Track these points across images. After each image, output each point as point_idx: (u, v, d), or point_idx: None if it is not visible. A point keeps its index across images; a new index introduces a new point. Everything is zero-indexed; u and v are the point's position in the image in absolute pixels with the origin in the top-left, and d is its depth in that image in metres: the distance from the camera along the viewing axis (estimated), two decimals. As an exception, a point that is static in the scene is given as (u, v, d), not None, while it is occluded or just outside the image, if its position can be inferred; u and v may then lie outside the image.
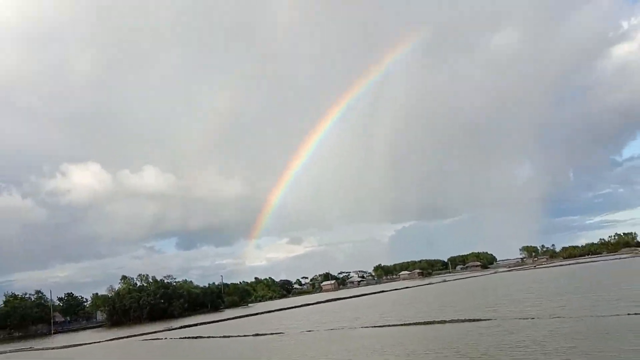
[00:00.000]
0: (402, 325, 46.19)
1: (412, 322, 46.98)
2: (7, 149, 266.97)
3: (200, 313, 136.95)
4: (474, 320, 42.91)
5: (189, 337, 62.44)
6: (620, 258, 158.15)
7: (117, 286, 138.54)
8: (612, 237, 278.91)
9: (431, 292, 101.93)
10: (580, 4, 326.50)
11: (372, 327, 48.45)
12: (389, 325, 47.28)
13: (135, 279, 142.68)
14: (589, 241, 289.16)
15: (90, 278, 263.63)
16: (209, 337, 59.76)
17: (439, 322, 44.67)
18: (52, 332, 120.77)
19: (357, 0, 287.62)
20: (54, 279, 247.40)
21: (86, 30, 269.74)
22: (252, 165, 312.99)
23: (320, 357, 34.12)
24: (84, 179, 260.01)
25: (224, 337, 57.52)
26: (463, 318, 44.77)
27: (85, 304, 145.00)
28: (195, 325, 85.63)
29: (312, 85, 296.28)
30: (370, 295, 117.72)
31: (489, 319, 42.26)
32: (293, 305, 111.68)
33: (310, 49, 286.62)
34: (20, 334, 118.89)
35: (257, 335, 54.26)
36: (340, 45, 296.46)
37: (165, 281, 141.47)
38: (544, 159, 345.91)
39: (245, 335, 55.45)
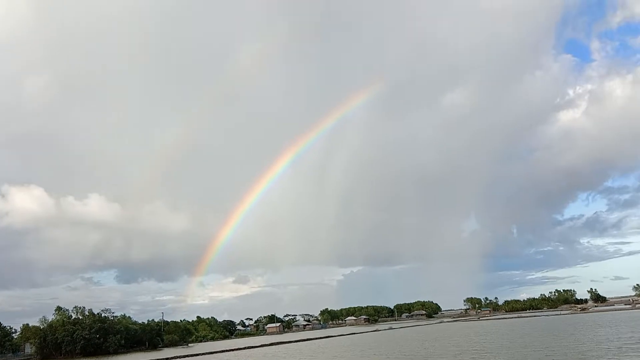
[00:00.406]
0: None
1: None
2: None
3: (137, 351, 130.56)
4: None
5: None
6: (561, 314, 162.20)
7: (50, 317, 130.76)
8: (552, 293, 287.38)
9: (379, 339, 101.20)
10: (532, 69, 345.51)
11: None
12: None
13: (70, 311, 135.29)
14: (530, 295, 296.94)
15: (21, 307, 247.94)
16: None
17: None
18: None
19: (321, 51, 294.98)
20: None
21: (40, 52, 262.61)
22: (201, 202, 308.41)
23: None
24: (24, 202, 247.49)
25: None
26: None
27: (13, 335, 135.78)
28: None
29: (268, 127, 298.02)
30: (316, 340, 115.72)
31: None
32: (236, 347, 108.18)
33: (270, 92, 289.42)
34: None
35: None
36: (299, 90, 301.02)
37: (103, 315, 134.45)
38: (489, 214, 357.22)
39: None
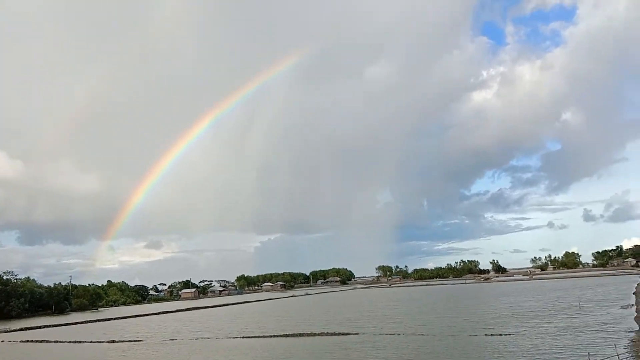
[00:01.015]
0: (271, 337, 45.73)
1: (281, 334, 46.72)
2: None
3: (42, 315, 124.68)
4: (342, 334, 43.76)
5: (31, 341, 56.36)
6: (466, 282, 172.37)
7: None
8: (458, 264, 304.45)
9: (295, 304, 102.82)
10: (450, 48, 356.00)
11: (239, 337, 47.39)
12: (257, 337, 46.57)
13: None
14: (437, 265, 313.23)
15: None
16: (56, 341, 54.38)
17: (308, 335, 44.93)
18: None
19: (246, 13, 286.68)
20: None
21: None
22: (113, 163, 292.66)
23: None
24: None
25: (74, 342, 52.70)
26: (331, 332, 45.47)
27: None
28: (39, 327, 77.75)
29: (188, 88, 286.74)
30: (233, 306, 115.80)
31: (356, 334, 43.36)
32: (150, 312, 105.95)
33: (191, 53, 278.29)
34: None
35: (112, 342, 50.47)
36: (222, 53, 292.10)
37: (5, 277, 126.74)
38: (403, 187, 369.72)
39: (99, 342, 51.27)
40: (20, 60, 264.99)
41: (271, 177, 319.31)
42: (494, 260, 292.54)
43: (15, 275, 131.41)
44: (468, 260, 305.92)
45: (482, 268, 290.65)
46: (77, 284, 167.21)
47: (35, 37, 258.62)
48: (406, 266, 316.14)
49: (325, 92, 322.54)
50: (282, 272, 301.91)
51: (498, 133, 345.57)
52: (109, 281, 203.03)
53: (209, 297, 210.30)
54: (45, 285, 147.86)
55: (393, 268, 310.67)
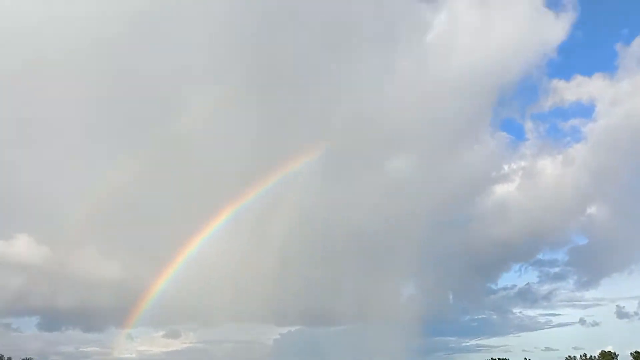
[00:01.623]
0: None
1: None
2: None
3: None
4: None
5: None
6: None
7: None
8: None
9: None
10: (471, 143, 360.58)
11: None
12: None
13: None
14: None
15: None
16: None
17: None
18: None
19: (269, 108, 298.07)
20: None
21: None
22: (135, 251, 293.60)
23: None
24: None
25: None
26: None
27: None
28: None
29: (210, 181, 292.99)
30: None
31: None
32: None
33: (215, 144, 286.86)
34: None
35: None
36: (244, 147, 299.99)
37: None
38: (426, 280, 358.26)
39: None
40: (51, 150, 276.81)
41: (291, 269, 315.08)
42: (525, 358, 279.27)
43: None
44: (498, 359, 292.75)
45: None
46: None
47: (63, 122, 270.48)
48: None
49: (346, 184, 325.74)
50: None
51: (523, 226, 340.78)
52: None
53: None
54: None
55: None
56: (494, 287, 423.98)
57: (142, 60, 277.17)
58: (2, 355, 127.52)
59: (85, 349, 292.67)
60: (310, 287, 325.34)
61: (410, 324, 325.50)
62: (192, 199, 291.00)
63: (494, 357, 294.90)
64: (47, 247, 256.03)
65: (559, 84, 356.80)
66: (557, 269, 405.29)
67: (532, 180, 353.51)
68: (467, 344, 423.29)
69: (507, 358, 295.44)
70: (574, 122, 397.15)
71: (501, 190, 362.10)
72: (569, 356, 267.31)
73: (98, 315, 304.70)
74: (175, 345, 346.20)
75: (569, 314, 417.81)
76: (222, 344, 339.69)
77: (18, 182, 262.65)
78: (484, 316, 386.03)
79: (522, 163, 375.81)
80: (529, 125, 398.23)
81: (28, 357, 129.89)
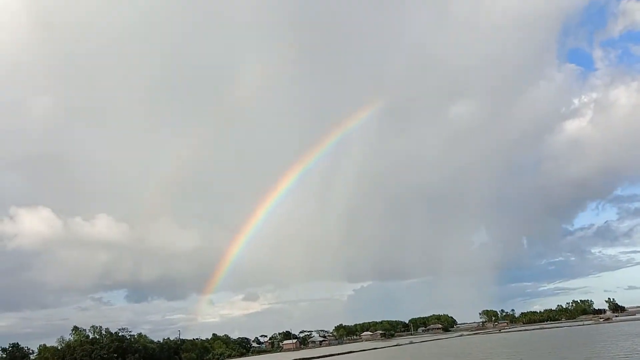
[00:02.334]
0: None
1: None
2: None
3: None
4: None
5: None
6: (584, 324, 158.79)
7: (67, 337, 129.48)
8: (570, 304, 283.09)
9: (410, 353, 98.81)
10: (536, 79, 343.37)
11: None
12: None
13: (87, 331, 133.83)
14: (543, 307, 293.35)
15: (32, 329, 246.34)
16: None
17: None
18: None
19: (324, 69, 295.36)
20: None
21: (48, 74, 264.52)
22: (208, 220, 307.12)
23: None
24: (32, 223, 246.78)
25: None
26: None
27: (31, 355, 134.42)
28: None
29: (273, 145, 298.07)
30: (339, 356, 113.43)
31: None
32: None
33: (274, 111, 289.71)
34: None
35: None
36: (303, 109, 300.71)
37: (120, 334, 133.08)
38: (499, 226, 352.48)
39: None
40: (120, 133, 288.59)
41: (359, 225, 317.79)
42: (609, 298, 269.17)
43: (130, 332, 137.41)
44: (581, 301, 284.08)
45: (596, 308, 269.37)
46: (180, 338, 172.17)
47: (131, 107, 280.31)
48: (512, 310, 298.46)
49: (408, 136, 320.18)
50: (379, 320, 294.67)
51: (598, 162, 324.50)
52: (214, 334, 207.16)
53: (310, 348, 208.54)
54: (155, 340, 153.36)
55: (498, 312, 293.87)
56: (570, 228, 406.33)
57: (197, 39, 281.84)
58: (100, 326, 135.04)
59: (171, 317, 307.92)
60: (379, 243, 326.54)
61: (484, 272, 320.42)
62: (257, 166, 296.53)
63: (575, 299, 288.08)
64: (126, 224, 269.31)
65: (628, 4, 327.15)
66: (637, 204, 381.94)
67: (606, 112, 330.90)
68: (545, 288, 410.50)
69: (589, 299, 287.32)
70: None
71: (572, 126, 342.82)
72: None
73: (180, 284, 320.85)
74: (255, 307, 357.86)
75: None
76: (298, 303, 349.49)
77: (93, 165, 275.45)
78: (561, 259, 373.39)
79: (594, 95, 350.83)
80: (598, 53, 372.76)
81: (122, 327, 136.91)
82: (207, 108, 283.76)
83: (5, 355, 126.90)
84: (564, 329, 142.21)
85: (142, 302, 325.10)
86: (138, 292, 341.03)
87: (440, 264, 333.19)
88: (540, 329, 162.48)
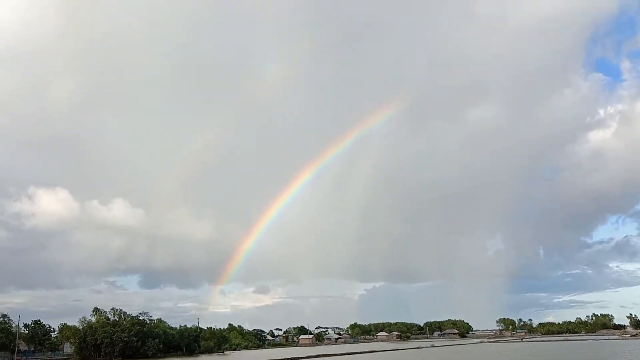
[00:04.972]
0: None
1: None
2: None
3: (174, 356, 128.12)
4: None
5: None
6: (609, 339, 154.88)
7: (89, 318, 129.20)
8: (590, 318, 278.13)
9: (433, 357, 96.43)
10: (561, 87, 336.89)
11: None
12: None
13: (108, 313, 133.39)
14: (557, 319, 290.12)
15: (47, 308, 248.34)
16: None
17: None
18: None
19: (343, 66, 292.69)
20: (7, 305, 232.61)
21: (69, 58, 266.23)
22: (223, 211, 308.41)
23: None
24: (50, 204, 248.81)
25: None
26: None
27: (52, 333, 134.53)
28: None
29: (291, 140, 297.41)
30: (360, 355, 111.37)
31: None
32: (278, 358, 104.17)
33: (293, 107, 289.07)
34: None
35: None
36: (322, 105, 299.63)
37: (140, 318, 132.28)
38: (515, 234, 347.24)
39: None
40: (139, 119, 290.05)
41: (372, 225, 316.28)
42: (631, 314, 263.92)
43: (150, 316, 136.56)
44: (601, 314, 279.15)
45: (616, 323, 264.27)
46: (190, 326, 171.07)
47: (152, 94, 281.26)
48: (530, 320, 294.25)
49: (426, 137, 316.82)
50: (392, 321, 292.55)
51: (620, 175, 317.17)
52: (230, 324, 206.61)
53: (325, 345, 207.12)
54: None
55: (516, 321, 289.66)
56: (588, 240, 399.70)
57: (221, 27, 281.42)
58: (120, 309, 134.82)
59: (183, 305, 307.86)
60: (393, 244, 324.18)
61: (498, 280, 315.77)
62: (275, 159, 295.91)
63: (593, 313, 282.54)
64: (142, 210, 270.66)
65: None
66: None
67: (631, 124, 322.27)
68: (560, 299, 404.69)
69: (609, 314, 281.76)
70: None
71: (596, 137, 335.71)
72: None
73: (192, 273, 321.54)
74: (266, 300, 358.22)
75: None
76: (309, 299, 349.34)
77: (112, 150, 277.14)
78: (577, 271, 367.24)
79: (619, 106, 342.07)
80: (626, 64, 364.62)
81: (142, 311, 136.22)
82: (227, 99, 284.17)
83: (27, 332, 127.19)
84: (591, 342, 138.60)
85: (155, 289, 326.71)
86: (151, 278, 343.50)
87: (453, 268, 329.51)
88: (565, 340, 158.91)
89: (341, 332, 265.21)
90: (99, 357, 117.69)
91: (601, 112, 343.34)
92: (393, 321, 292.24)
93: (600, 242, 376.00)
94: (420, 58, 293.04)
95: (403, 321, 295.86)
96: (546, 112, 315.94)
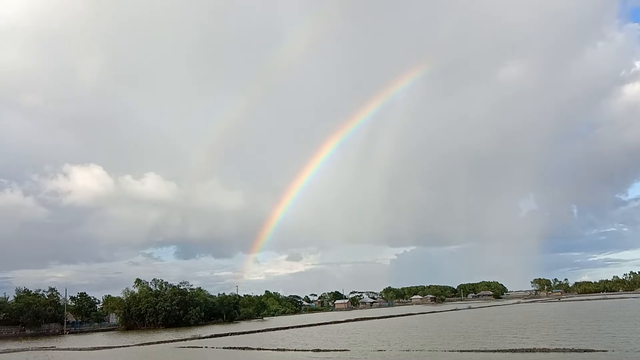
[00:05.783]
0: (494, 351, 41.36)
1: (506, 348, 42.14)
2: (10, 147, 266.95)
3: (215, 323, 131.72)
4: (584, 350, 38.06)
5: (235, 348, 57.34)
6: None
7: (132, 289, 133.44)
8: (627, 276, 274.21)
9: (473, 317, 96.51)
10: (594, 40, 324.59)
11: (456, 351, 43.52)
12: (477, 351, 42.36)
13: (150, 283, 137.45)
14: (592, 278, 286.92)
15: (88, 281, 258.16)
16: (258, 349, 54.67)
17: (540, 350, 39.82)
18: (66, 332, 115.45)
19: (366, 29, 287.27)
20: (51, 279, 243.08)
21: (99, 36, 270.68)
22: (254, 181, 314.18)
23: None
24: (85, 181, 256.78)
25: (278, 350, 52.45)
26: (569, 348, 39.89)
27: (97, 305, 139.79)
28: (226, 335, 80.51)
29: (319, 107, 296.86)
30: (397, 318, 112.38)
31: (603, 350, 37.43)
32: (318, 322, 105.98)
33: (320, 72, 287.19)
34: (32, 331, 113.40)
35: (318, 350, 49.26)
36: (349, 70, 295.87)
37: (181, 287, 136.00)
38: (548, 194, 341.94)
39: (304, 350, 50.45)
40: (170, 95, 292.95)
41: (402, 190, 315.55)
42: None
43: (190, 286, 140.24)
44: (639, 272, 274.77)
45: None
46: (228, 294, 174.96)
47: (180, 70, 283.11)
48: (566, 279, 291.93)
49: (456, 99, 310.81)
50: (426, 285, 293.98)
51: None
52: (266, 291, 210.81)
53: (360, 309, 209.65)
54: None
55: (551, 281, 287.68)
56: (623, 197, 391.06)
57: (242, 2, 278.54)
58: (162, 279, 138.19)
59: (219, 274, 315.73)
60: (422, 208, 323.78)
61: (531, 240, 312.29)
62: (302, 129, 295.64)
63: (631, 271, 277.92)
64: (174, 183, 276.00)
65: None
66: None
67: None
68: (594, 258, 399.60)
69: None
70: None
71: (632, 90, 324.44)
72: None
73: (226, 243, 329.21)
74: (298, 267, 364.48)
75: None
76: (340, 265, 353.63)
77: (142, 127, 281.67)
78: (612, 229, 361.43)
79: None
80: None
81: (182, 281, 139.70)
82: (253, 72, 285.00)
83: (74, 304, 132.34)
84: (632, 299, 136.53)
85: (191, 259, 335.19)
86: (187, 249, 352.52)
87: (485, 230, 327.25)
88: (604, 299, 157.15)
89: (375, 297, 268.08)
90: (144, 326, 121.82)
91: (637, 64, 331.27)
92: (426, 284, 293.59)
93: (636, 199, 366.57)
94: (448, 16, 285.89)
95: (436, 284, 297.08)
96: (579, 67, 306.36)
